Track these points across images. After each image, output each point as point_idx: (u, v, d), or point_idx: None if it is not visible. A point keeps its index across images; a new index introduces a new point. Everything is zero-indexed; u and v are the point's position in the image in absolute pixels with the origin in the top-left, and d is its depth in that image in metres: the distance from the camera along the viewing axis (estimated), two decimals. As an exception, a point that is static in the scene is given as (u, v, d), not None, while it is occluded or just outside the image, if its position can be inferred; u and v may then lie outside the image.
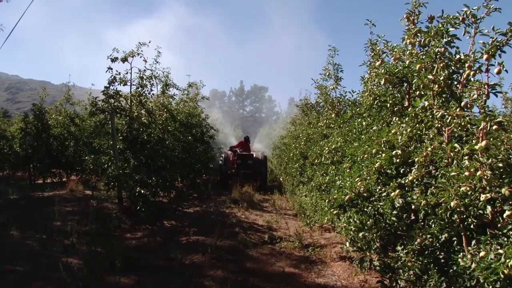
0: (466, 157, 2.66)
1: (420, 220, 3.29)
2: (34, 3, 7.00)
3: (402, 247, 3.13)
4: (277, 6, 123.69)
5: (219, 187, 13.14)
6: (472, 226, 2.64)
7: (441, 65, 3.18)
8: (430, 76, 3.23)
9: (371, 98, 4.51)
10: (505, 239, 2.33)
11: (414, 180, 3.12)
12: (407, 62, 3.76)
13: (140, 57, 7.81)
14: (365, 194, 3.56)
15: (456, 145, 2.76)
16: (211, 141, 14.43)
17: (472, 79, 2.96)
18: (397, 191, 3.24)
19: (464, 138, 3.03)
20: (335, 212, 3.93)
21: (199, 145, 11.97)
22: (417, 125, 3.40)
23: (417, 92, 3.76)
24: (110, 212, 7.10)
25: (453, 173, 2.66)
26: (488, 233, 2.51)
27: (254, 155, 14.60)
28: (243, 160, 13.61)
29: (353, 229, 3.74)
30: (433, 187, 2.83)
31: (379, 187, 3.58)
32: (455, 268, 2.61)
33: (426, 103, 3.26)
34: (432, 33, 3.32)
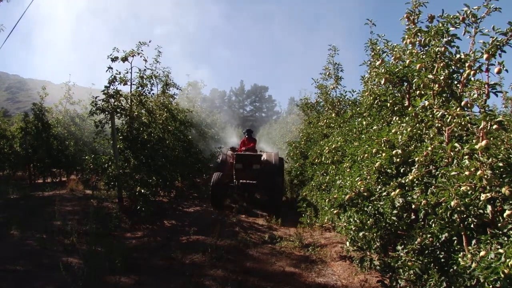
0: (466, 157, 2.66)
1: (420, 220, 3.29)
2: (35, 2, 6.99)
3: (402, 246, 3.13)
4: (278, 6, 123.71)
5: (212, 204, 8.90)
6: (472, 226, 2.64)
7: (441, 64, 3.18)
8: (430, 76, 3.23)
9: (371, 97, 4.52)
10: (505, 238, 2.33)
11: (414, 179, 3.12)
12: (407, 61, 3.77)
13: (140, 56, 7.82)
14: (365, 194, 3.56)
15: (456, 144, 2.77)
16: (211, 141, 14.36)
17: (472, 78, 2.97)
18: (397, 190, 3.24)
19: (465, 138, 3.03)
20: (335, 211, 3.94)
21: (200, 144, 11.95)
22: (417, 124, 3.40)
23: (417, 92, 3.76)
24: (110, 212, 7.10)
25: (453, 173, 2.66)
26: (488, 232, 2.51)
27: (264, 157, 9.49)
28: (246, 164, 8.66)
29: (353, 228, 3.74)
30: (433, 186, 2.83)
31: (379, 187, 3.58)
32: (455, 267, 2.61)
33: (426, 103, 3.26)
34: (432, 32, 3.32)
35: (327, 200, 3.93)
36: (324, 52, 8.54)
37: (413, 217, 3.51)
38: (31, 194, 9.06)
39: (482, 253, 2.31)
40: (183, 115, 10.73)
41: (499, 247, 2.26)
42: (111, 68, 7.55)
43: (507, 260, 2.07)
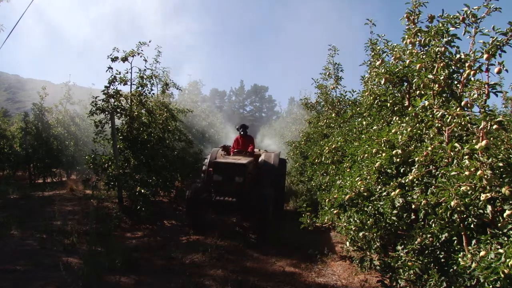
0: (466, 157, 2.66)
1: (420, 220, 3.30)
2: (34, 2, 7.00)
3: (402, 246, 3.13)
4: (277, 7, 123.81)
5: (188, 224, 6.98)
6: (472, 226, 2.64)
7: (441, 64, 3.18)
8: (430, 76, 3.24)
9: (371, 97, 4.52)
10: (505, 238, 2.33)
11: (414, 179, 3.12)
12: (407, 61, 3.77)
13: (141, 56, 7.82)
14: (365, 194, 3.56)
15: (456, 144, 2.77)
16: (211, 142, 14.36)
17: (472, 78, 2.97)
18: (397, 190, 3.24)
19: (464, 138, 3.03)
20: (335, 211, 3.94)
21: (200, 144, 11.95)
22: (417, 124, 3.40)
23: (417, 92, 3.77)
24: (110, 212, 7.10)
25: (453, 173, 2.66)
26: (488, 232, 2.51)
27: (262, 157, 7.66)
28: (225, 175, 6.55)
29: (353, 228, 3.75)
30: (433, 186, 2.83)
31: (379, 187, 3.58)
32: (455, 267, 2.61)
33: (426, 103, 3.26)
34: (433, 32, 3.33)
35: (327, 200, 3.94)
36: (324, 52, 8.55)
37: (413, 217, 3.51)
38: (31, 194, 9.06)
39: (482, 253, 2.31)
40: (183, 114, 10.73)
41: (499, 247, 2.27)
42: (111, 68, 7.55)
43: (507, 260, 2.07)
